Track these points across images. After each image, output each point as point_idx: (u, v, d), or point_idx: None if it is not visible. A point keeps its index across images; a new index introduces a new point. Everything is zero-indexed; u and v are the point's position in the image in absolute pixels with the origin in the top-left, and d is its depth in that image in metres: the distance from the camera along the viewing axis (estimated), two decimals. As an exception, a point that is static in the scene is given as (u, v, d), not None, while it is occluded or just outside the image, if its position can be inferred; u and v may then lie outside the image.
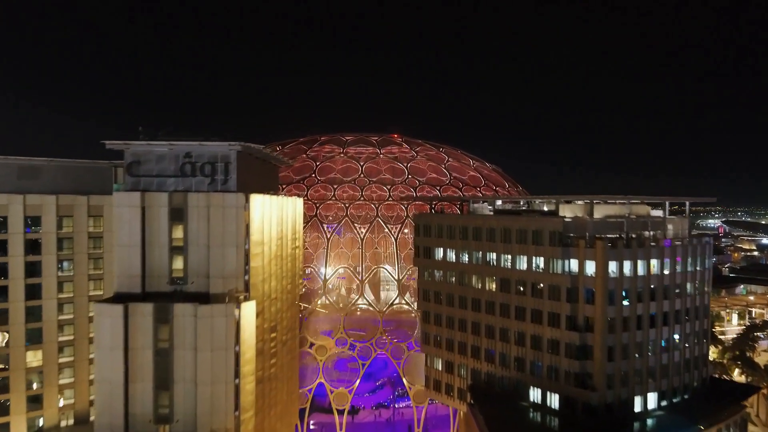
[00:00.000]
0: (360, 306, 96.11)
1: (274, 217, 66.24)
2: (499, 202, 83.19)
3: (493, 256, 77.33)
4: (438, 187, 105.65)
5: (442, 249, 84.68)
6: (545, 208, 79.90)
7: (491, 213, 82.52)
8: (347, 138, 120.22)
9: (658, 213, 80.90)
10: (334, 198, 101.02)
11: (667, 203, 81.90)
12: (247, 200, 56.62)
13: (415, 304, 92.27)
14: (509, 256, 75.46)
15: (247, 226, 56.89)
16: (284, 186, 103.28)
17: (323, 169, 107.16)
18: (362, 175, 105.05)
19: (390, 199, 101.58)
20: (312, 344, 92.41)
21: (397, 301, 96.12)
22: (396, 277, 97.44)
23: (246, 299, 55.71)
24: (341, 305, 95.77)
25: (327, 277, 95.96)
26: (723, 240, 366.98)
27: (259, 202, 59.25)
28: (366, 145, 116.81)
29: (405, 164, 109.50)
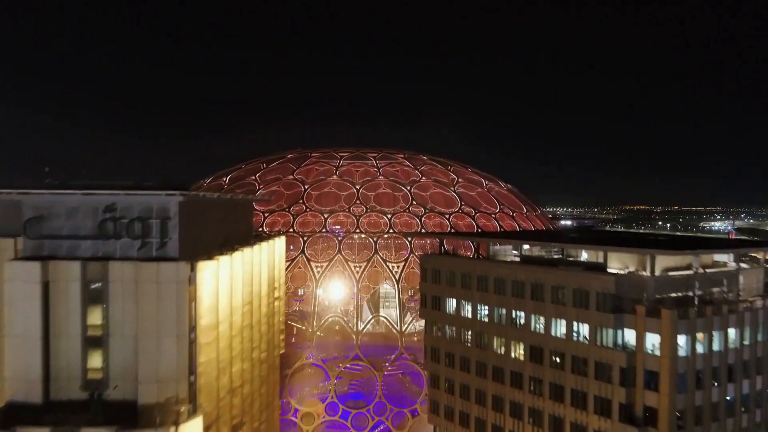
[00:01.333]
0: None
1: (240, 279, 49.83)
2: (526, 247, 66.70)
3: (521, 315, 61.03)
4: (447, 215, 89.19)
5: (455, 300, 68.32)
6: (584, 255, 63.62)
7: (517, 258, 66.09)
8: (341, 154, 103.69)
9: (721, 258, 64.57)
10: (324, 230, 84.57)
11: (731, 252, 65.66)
12: (194, 269, 40.25)
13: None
14: (542, 318, 59.18)
15: (195, 306, 40.53)
16: (267, 214, 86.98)
17: (313, 194, 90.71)
18: (358, 201, 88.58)
19: (391, 231, 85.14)
20: (296, 410, 76.05)
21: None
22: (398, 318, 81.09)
23: (190, 414, 39.20)
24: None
25: (318, 324, 79.67)
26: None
27: (212, 271, 42.77)
28: (363, 162, 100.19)
29: (408, 187, 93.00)
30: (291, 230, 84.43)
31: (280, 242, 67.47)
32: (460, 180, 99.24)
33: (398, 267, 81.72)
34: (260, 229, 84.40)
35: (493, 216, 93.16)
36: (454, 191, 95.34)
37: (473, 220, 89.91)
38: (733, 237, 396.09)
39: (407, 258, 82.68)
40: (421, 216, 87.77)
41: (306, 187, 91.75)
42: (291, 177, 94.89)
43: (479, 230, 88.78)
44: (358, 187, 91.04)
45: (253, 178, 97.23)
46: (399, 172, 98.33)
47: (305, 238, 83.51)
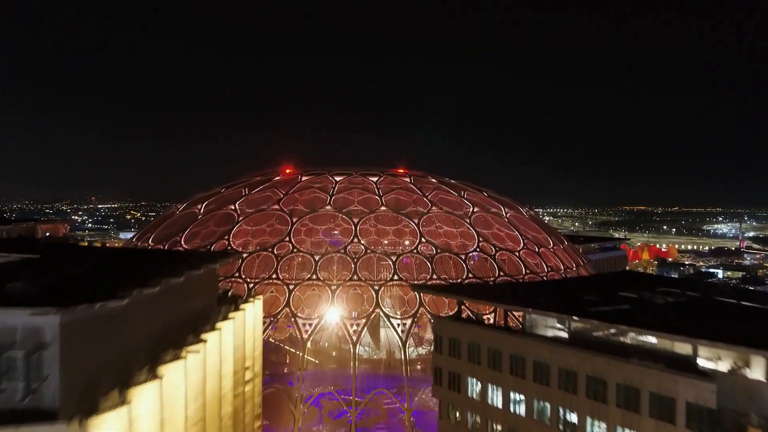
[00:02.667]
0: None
1: (182, 398, 33.92)
2: (576, 322, 50.70)
3: (573, 417, 45.42)
4: (463, 256, 73.34)
5: (478, 382, 52.72)
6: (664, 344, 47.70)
7: (563, 334, 50.25)
8: (336, 177, 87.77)
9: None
10: (315, 277, 68.64)
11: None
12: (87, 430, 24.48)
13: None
14: (603, 425, 43.47)
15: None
16: (246, 254, 71.20)
17: (302, 230, 74.81)
18: (356, 240, 72.67)
19: (396, 278, 69.19)
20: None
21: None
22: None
23: None
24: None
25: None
26: (747, 256, 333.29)
27: (122, 422, 26.80)
28: (362, 190, 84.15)
29: (416, 220, 77.03)
30: (274, 276, 68.62)
31: (254, 308, 51.58)
32: (476, 210, 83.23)
33: (404, 325, 65.85)
34: (236, 275, 68.75)
35: (517, 253, 77.32)
36: (470, 223, 79.36)
37: (494, 261, 74.02)
38: (745, 245, 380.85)
39: (416, 312, 66.86)
40: (433, 257, 71.88)
41: (294, 220, 75.77)
42: (276, 208, 78.87)
43: (501, 272, 73.05)
44: (355, 221, 75.06)
45: (232, 207, 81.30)
46: (405, 201, 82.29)
47: (291, 287, 67.64)
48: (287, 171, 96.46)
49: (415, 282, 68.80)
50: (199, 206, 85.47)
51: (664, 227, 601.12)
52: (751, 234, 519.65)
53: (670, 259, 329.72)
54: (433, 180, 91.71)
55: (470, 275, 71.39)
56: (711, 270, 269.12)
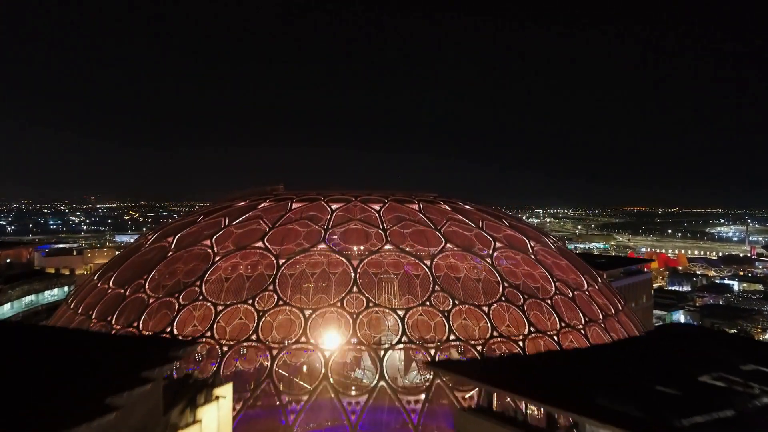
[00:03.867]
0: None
1: None
2: None
3: None
4: (486, 308, 59.50)
5: (519, 506, 39.06)
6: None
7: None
8: (333, 204, 73.95)
9: None
10: (304, 340, 54.76)
11: None
12: None
13: None
14: None
15: None
16: (221, 307, 57.47)
17: (288, 276, 60.88)
18: (356, 290, 58.76)
19: (404, 339, 55.28)
20: None
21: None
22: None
23: None
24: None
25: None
26: (758, 264, 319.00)
27: None
28: (362, 221, 70.27)
29: (427, 262, 63.19)
30: (254, 338, 54.78)
31: (218, 411, 37.75)
32: (498, 246, 69.34)
33: (416, 404, 51.95)
34: (207, 334, 55.00)
35: (549, 302, 63.53)
36: (492, 264, 65.51)
37: (523, 314, 60.17)
38: (756, 252, 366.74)
39: (430, 386, 53.03)
40: (449, 312, 58.00)
41: (281, 263, 61.85)
42: (260, 246, 64.96)
43: (532, 328, 59.29)
44: (355, 265, 61.19)
45: (208, 243, 67.41)
46: (412, 236, 68.35)
47: (274, 353, 53.77)
48: (275, 194, 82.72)
49: (430, 344, 55.01)
50: (170, 239, 71.58)
51: (669, 231, 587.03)
52: (758, 238, 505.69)
53: (680, 268, 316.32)
54: (446, 207, 77.73)
55: (495, 333, 57.59)
56: (726, 282, 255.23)
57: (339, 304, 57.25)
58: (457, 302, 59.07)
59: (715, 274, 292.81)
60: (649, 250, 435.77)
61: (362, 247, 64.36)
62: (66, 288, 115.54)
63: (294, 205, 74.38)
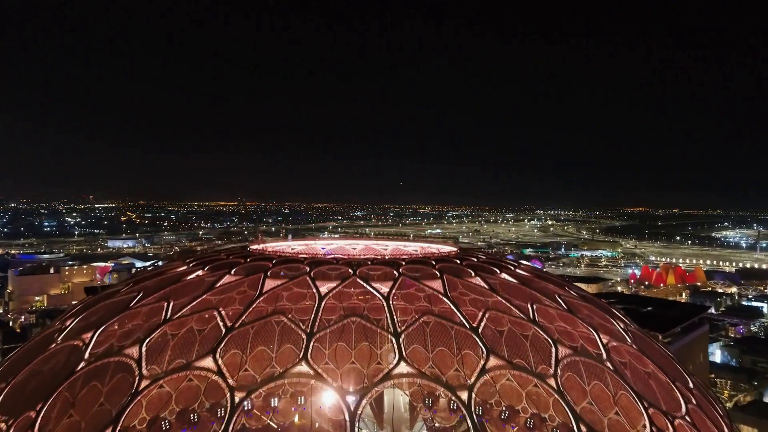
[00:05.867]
0: None
1: None
2: None
3: None
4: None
5: None
6: None
7: None
8: (322, 284, 51.29)
9: None
10: None
11: None
12: None
13: None
14: None
15: None
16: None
17: (256, 405, 38.13)
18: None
19: None
20: None
21: None
22: None
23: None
24: None
25: None
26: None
27: None
28: (366, 309, 47.62)
29: (464, 394, 40.55)
30: None
31: None
32: (561, 354, 46.53)
33: None
34: None
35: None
36: (559, 388, 42.85)
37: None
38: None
39: None
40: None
41: (238, 400, 39.10)
42: (210, 367, 42.14)
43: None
44: (352, 410, 38.39)
45: (134, 354, 44.55)
46: (436, 339, 45.55)
47: None
48: (248, 253, 60.09)
49: None
50: (87, 336, 48.70)
51: (675, 235, 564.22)
52: (765, 244, 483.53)
53: (698, 284, 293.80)
54: (479, 281, 54.89)
55: None
56: (754, 304, 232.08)
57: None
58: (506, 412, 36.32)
59: (738, 291, 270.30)
60: (657, 258, 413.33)
61: (364, 371, 41.53)
62: None
63: (268, 284, 51.52)
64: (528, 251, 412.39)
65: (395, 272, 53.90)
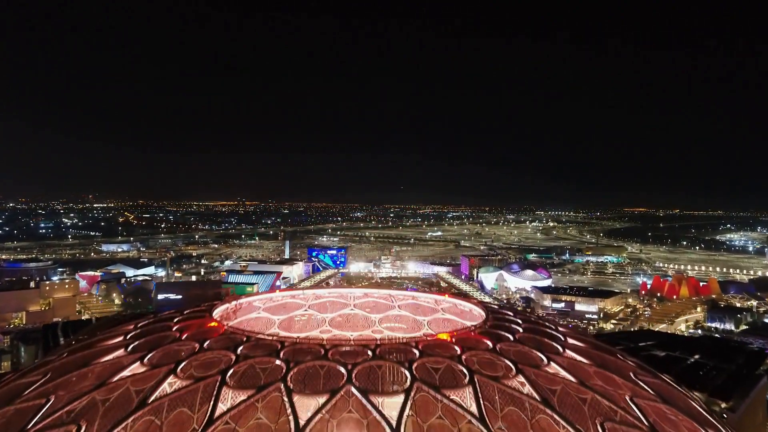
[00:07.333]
0: None
1: None
2: None
3: None
4: None
5: None
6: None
7: None
8: (303, 399, 34.93)
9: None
10: None
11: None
12: None
13: None
14: None
15: None
16: None
17: None
18: None
19: None
20: None
21: None
22: None
23: None
24: None
25: None
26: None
27: None
28: (363, 418, 31.07)
29: None
30: None
31: None
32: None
33: None
34: None
35: None
36: None
37: None
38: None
39: None
40: None
41: None
42: None
43: None
44: None
45: None
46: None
47: None
48: (204, 342, 43.64)
49: None
50: (62, 393, 32.26)
51: (679, 239, 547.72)
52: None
53: (714, 296, 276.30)
54: (530, 391, 38.49)
55: None
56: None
57: None
58: None
59: (756, 304, 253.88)
60: (664, 265, 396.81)
61: None
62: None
63: (223, 401, 34.99)
64: (532, 257, 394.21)
65: (407, 373, 37.52)
